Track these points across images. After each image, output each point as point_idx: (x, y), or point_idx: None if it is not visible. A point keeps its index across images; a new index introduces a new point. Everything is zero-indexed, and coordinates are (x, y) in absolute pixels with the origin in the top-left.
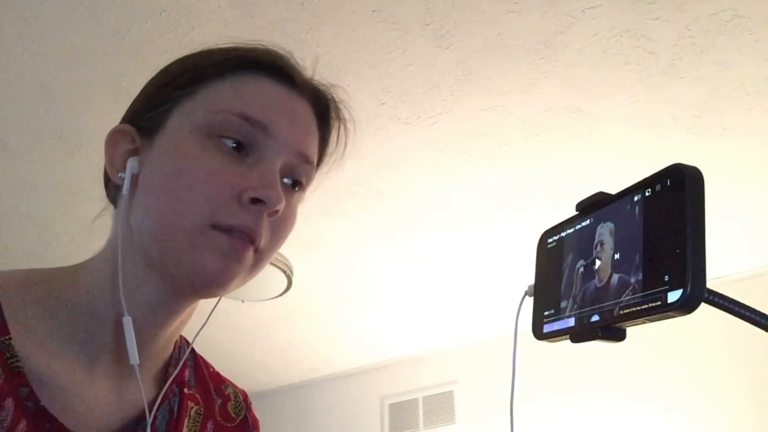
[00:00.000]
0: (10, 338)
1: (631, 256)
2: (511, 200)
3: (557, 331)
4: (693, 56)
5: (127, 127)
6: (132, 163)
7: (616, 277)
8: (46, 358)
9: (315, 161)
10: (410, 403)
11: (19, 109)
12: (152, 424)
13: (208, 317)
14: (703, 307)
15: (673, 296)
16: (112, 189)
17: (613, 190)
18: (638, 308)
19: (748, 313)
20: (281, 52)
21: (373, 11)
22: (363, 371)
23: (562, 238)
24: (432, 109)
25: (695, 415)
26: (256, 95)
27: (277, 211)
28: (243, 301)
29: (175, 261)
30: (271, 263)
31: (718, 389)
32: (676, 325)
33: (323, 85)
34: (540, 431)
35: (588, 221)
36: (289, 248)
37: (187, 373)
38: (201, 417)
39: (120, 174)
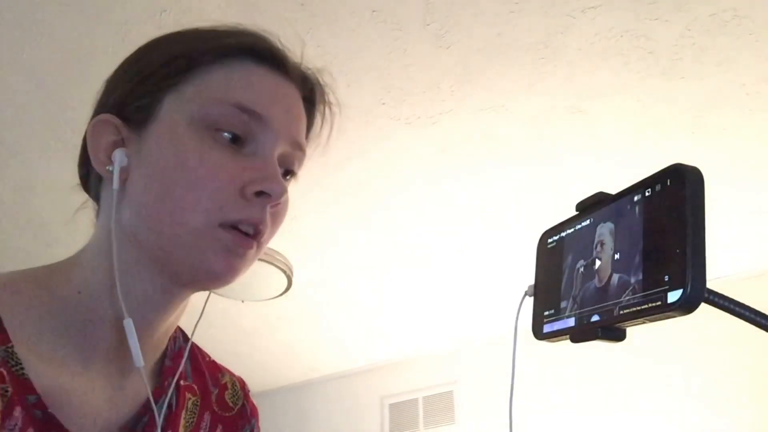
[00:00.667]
0: (12, 345)
1: (631, 256)
2: (511, 200)
3: (557, 331)
4: (693, 56)
5: (112, 117)
6: (119, 156)
7: (616, 277)
8: (46, 362)
9: (306, 148)
10: (410, 403)
11: (19, 109)
12: (154, 419)
13: (203, 308)
14: (703, 307)
15: (673, 296)
16: (92, 182)
17: (613, 190)
18: (638, 308)
19: (747, 313)
20: (266, 35)
21: (373, 11)
22: (363, 371)
23: (562, 238)
24: (432, 109)
25: (695, 415)
26: (250, 84)
27: (279, 203)
28: (243, 301)
29: (177, 259)
30: (271, 263)
31: (717, 389)
32: (675, 325)
33: (309, 69)
34: (539, 431)
35: (588, 221)
36: (289, 248)
37: (182, 363)
38: (198, 408)
39: (108, 167)
